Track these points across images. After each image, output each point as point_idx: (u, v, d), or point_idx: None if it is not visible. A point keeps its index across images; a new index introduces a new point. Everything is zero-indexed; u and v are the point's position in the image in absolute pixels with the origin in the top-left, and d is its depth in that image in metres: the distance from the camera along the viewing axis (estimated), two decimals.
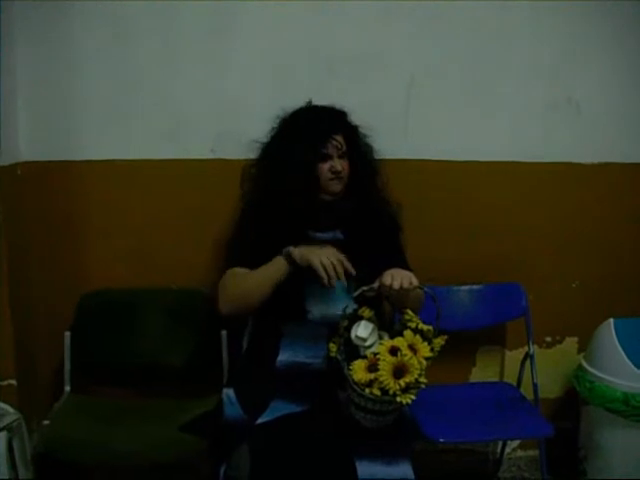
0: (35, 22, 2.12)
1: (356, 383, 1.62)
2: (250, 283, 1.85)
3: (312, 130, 1.96)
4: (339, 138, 1.95)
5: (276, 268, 1.81)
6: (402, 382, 1.58)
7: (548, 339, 2.53)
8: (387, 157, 2.12)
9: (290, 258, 1.78)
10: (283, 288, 1.82)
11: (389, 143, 2.13)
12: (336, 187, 1.95)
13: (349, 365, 1.65)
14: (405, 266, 1.82)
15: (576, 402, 2.39)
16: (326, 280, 1.71)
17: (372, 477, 1.66)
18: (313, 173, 1.93)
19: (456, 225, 2.38)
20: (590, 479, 2.30)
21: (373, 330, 1.68)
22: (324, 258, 1.72)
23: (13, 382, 2.11)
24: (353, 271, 1.74)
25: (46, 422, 2.00)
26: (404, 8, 2.23)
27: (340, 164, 1.94)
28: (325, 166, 1.93)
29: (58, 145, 2.21)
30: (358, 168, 1.98)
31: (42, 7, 2.11)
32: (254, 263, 1.86)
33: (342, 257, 1.75)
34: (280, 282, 1.80)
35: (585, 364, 2.32)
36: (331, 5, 2.20)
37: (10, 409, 2.00)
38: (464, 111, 2.34)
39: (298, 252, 1.78)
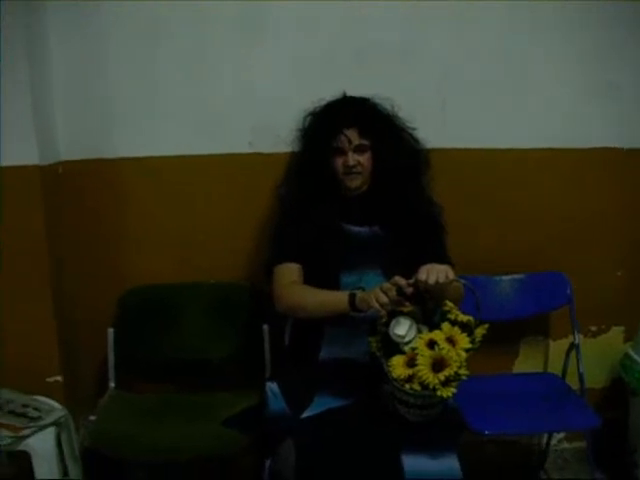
0: (68, 25, 2.14)
1: (395, 379, 1.62)
2: (309, 301, 1.84)
3: (324, 125, 1.99)
4: (351, 132, 1.94)
5: (337, 302, 1.78)
6: (441, 376, 1.57)
7: (593, 328, 2.48)
8: (425, 146, 2.10)
9: (352, 301, 1.75)
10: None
11: (426, 132, 2.10)
12: (352, 182, 1.95)
13: (388, 361, 1.64)
14: (447, 262, 1.78)
15: (623, 392, 2.35)
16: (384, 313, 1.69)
17: (418, 470, 1.65)
18: (328, 167, 1.95)
19: (497, 214, 2.35)
20: None
21: (411, 326, 1.66)
22: (380, 296, 1.66)
23: (59, 379, 2.15)
24: (405, 285, 1.67)
25: (92, 418, 2.03)
26: None
27: (354, 158, 1.93)
28: (339, 160, 1.95)
29: (96, 143, 2.23)
30: (384, 161, 1.96)
31: (73, 9, 2.13)
32: (298, 256, 1.90)
33: (390, 284, 1.68)
34: (334, 314, 1.79)
35: (633, 354, 2.28)
36: None
37: (57, 405, 2.04)
38: (501, 98, 2.30)
39: (359, 297, 1.74)
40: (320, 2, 2.18)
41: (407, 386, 1.60)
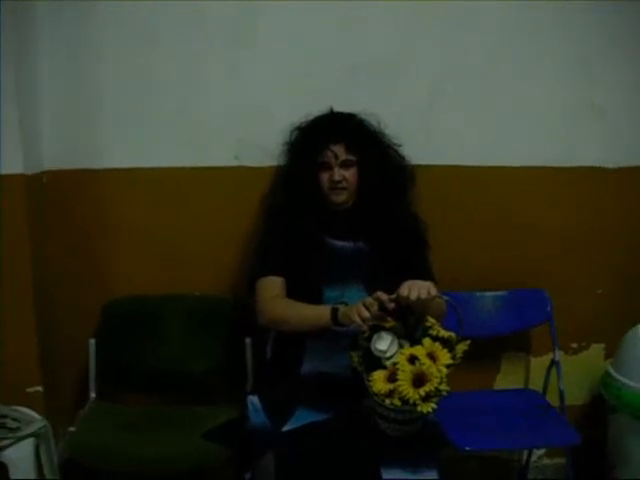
0: (58, 37, 2.14)
1: (376, 394, 1.62)
2: (292, 315, 1.85)
3: (310, 140, 2.01)
4: (337, 148, 1.95)
5: (319, 316, 1.79)
6: (422, 391, 1.57)
7: (574, 345, 2.49)
8: (410, 163, 2.12)
9: (335, 316, 1.76)
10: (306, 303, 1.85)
11: (411, 148, 2.12)
12: (337, 197, 1.97)
13: (369, 376, 1.65)
14: (429, 278, 1.80)
15: (603, 409, 2.36)
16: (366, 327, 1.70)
17: None
18: (314, 182, 1.97)
19: (482, 231, 2.36)
20: None
21: (392, 341, 1.67)
22: (362, 311, 1.67)
23: (39, 389, 2.13)
24: (387, 300, 1.69)
25: (72, 429, 2.01)
26: (426, 14, 2.22)
27: (340, 174, 1.95)
28: (325, 175, 1.96)
29: (82, 154, 2.22)
30: (369, 177, 1.97)
31: (64, 22, 2.13)
32: (282, 269, 1.91)
33: (372, 299, 1.70)
34: (317, 328, 1.80)
35: (612, 371, 2.29)
36: (353, 12, 2.20)
37: (37, 416, 2.02)
38: (486, 116, 2.32)
39: (341, 312, 1.75)
40: (311, 17, 2.19)
41: (387, 401, 1.61)
